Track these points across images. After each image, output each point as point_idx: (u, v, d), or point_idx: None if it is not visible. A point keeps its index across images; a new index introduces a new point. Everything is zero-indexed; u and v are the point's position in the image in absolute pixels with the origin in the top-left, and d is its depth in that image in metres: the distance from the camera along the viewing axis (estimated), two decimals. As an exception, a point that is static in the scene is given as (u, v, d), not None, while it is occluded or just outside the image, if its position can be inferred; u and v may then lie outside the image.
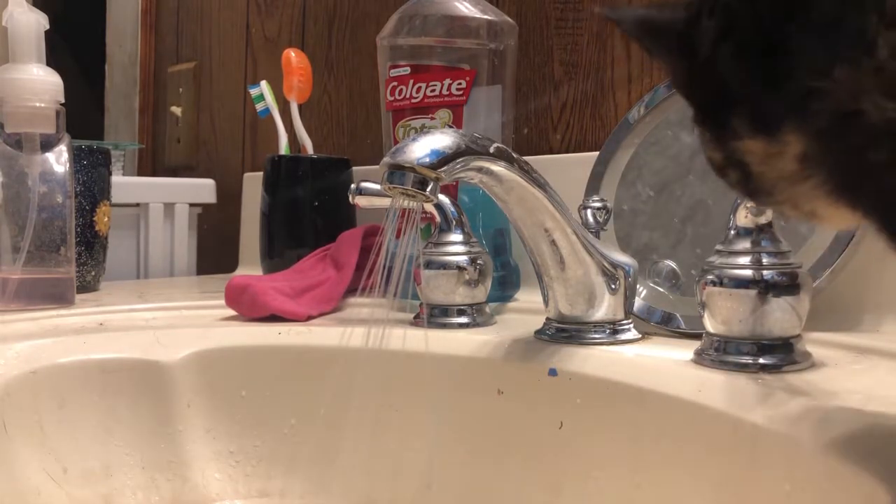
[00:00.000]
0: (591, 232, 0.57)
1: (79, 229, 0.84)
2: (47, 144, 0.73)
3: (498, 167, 0.50)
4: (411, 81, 0.72)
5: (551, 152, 0.83)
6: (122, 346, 0.61)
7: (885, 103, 0.24)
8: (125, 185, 1.09)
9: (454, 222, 0.65)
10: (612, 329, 0.55)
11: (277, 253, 0.92)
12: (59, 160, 0.74)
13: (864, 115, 0.25)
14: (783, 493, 0.37)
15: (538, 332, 0.58)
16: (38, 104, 0.72)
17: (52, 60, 0.74)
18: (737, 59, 0.28)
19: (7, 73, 0.71)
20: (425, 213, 0.65)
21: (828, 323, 0.55)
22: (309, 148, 0.96)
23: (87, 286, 0.88)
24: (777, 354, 0.46)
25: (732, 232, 0.47)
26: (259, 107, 0.97)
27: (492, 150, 0.50)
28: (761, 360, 0.46)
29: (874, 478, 0.32)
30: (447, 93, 0.71)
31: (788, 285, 0.45)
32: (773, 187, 0.30)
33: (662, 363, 0.49)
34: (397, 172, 0.46)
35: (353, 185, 0.64)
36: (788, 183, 0.29)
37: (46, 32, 0.73)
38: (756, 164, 0.29)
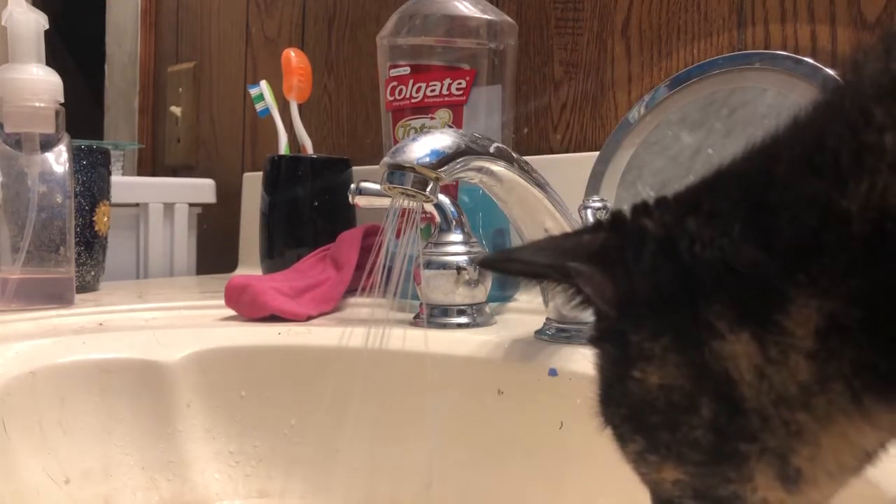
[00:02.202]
0: (592, 232, 0.57)
1: (78, 229, 0.84)
2: (47, 144, 0.73)
3: (498, 167, 0.50)
4: (411, 81, 0.72)
5: (551, 152, 0.83)
6: (121, 346, 0.61)
7: None
8: (125, 185, 1.09)
9: (454, 222, 0.65)
10: (612, 329, 0.55)
11: (277, 253, 0.92)
12: (58, 160, 0.74)
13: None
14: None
15: (538, 332, 0.58)
16: (37, 104, 0.72)
17: (52, 60, 0.74)
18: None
19: (7, 72, 0.71)
20: (425, 213, 0.65)
21: None
22: (309, 148, 0.96)
23: (86, 286, 0.88)
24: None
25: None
26: (259, 107, 0.97)
27: (492, 150, 0.50)
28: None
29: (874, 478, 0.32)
30: (447, 93, 0.71)
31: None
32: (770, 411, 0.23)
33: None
34: (397, 172, 0.46)
35: (353, 185, 0.64)
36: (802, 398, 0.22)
37: (46, 32, 0.73)
38: (747, 374, 0.23)
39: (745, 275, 0.22)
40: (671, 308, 0.24)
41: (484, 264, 0.30)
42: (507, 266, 0.30)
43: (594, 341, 0.27)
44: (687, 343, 0.24)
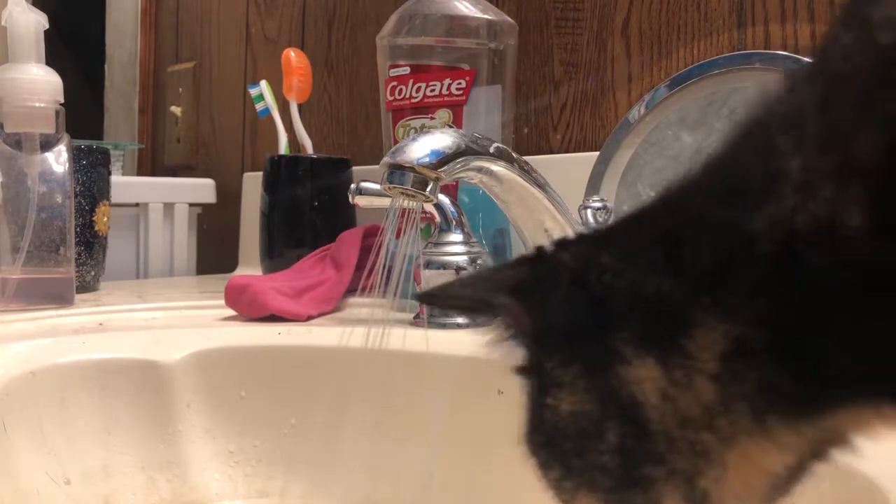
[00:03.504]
0: (592, 232, 0.57)
1: (78, 229, 0.84)
2: (47, 144, 0.73)
3: (498, 167, 0.50)
4: (411, 81, 0.72)
5: (551, 152, 0.83)
6: (121, 346, 0.61)
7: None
8: (125, 184, 1.09)
9: (454, 222, 0.65)
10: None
11: (277, 253, 0.92)
12: (58, 160, 0.74)
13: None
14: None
15: (538, 332, 0.58)
16: (37, 104, 0.72)
17: (52, 60, 0.74)
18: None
19: (6, 72, 0.71)
20: (425, 213, 0.65)
21: None
22: (309, 148, 0.96)
23: (86, 286, 0.88)
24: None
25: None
26: (259, 107, 0.97)
27: (492, 150, 0.50)
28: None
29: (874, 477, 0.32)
30: (447, 92, 0.71)
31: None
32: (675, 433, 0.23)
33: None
34: (397, 172, 0.46)
35: (352, 185, 0.64)
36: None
37: (46, 32, 0.73)
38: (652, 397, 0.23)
39: (651, 302, 0.23)
40: (581, 337, 0.25)
41: (422, 299, 0.32)
42: (443, 301, 0.31)
43: (520, 371, 0.28)
44: (595, 369, 0.25)
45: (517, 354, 0.28)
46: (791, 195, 0.20)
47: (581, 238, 0.28)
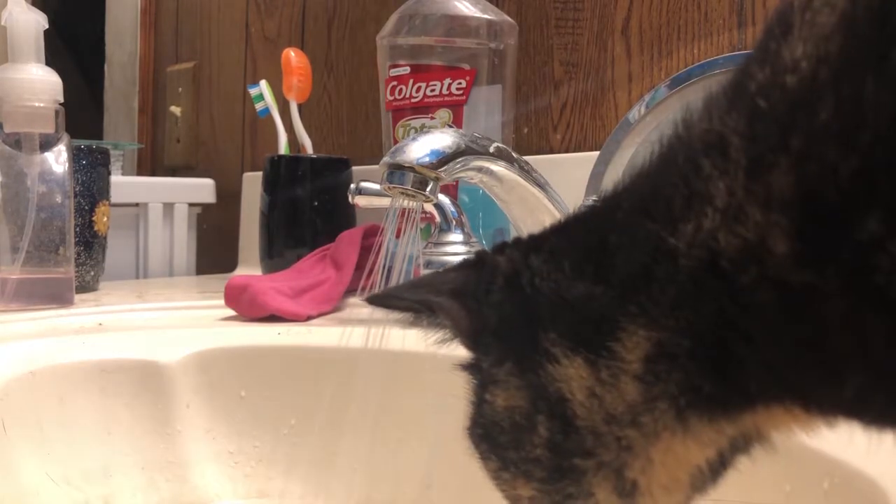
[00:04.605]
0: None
1: (78, 229, 0.84)
2: (46, 144, 0.73)
3: (498, 167, 0.50)
4: (411, 81, 0.72)
5: (551, 152, 0.83)
6: (121, 346, 0.61)
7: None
8: (125, 184, 1.09)
9: (454, 222, 0.65)
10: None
11: (277, 253, 0.92)
12: (58, 160, 0.74)
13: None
14: (783, 493, 0.37)
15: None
16: (37, 104, 0.72)
17: (52, 60, 0.74)
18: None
19: (6, 72, 0.71)
20: (425, 212, 0.65)
21: None
22: (309, 148, 0.96)
23: (86, 286, 0.88)
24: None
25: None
26: (259, 107, 0.97)
27: (492, 149, 0.50)
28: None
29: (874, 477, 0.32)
30: (447, 92, 0.71)
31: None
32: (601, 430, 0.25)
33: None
34: (397, 172, 0.46)
35: (352, 185, 0.63)
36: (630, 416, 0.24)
37: (46, 32, 0.73)
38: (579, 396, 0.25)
39: (578, 306, 0.25)
40: (513, 336, 0.27)
41: (369, 302, 0.33)
42: (388, 303, 0.33)
43: (464, 369, 0.30)
44: (526, 367, 0.26)
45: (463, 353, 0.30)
46: (713, 216, 0.21)
47: (517, 242, 0.29)
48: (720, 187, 0.21)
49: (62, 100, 0.74)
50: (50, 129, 0.73)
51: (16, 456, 0.52)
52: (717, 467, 0.25)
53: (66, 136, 0.74)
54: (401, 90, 0.73)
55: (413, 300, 0.31)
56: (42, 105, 0.72)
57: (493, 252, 0.29)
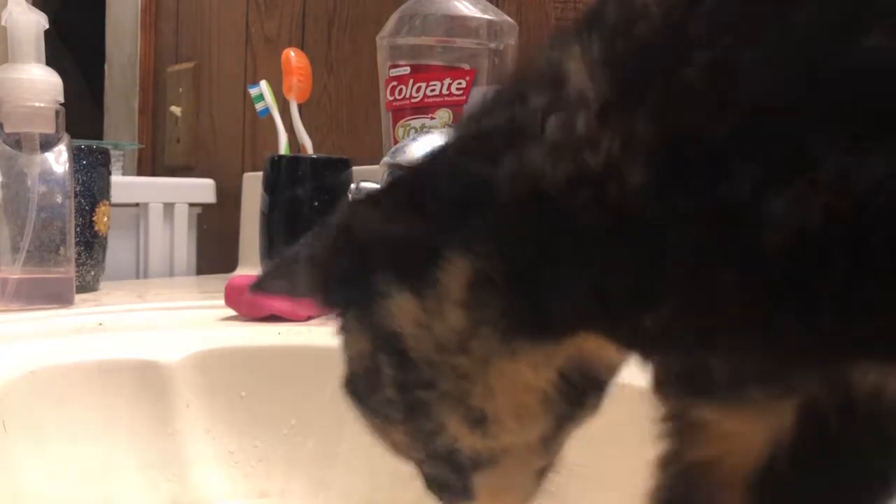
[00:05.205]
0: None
1: (78, 229, 0.84)
2: (47, 144, 0.73)
3: (498, 167, 0.50)
4: (411, 81, 0.72)
5: (551, 152, 0.83)
6: (121, 346, 0.61)
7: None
8: (125, 184, 1.09)
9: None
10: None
11: (277, 253, 0.92)
12: (58, 160, 0.74)
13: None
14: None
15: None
16: (37, 104, 0.72)
17: (52, 60, 0.74)
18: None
19: (6, 72, 0.71)
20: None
21: None
22: (309, 148, 0.96)
23: (86, 286, 0.88)
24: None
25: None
26: (259, 107, 0.97)
27: (492, 149, 0.50)
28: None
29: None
30: (447, 92, 0.71)
31: None
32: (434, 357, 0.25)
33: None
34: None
35: (352, 185, 0.64)
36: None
37: (46, 32, 0.73)
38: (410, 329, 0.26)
39: (401, 242, 0.26)
40: (352, 282, 0.27)
41: (253, 290, 0.34)
42: (265, 286, 0.34)
43: (337, 332, 0.30)
44: (364, 309, 0.27)
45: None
46: (538, 147, 0.22)
47: (357, 199, 0.30)
48: (552, 121, 0.22)
49: (62, 100, 0.74)
50: (50, 130, 0.73)
51: (16, 456, 0.52)
52: (570, 392, 0.26)
53: (66, 137, 0.75)
54: (401, 90, 0.73)
55: (280, 276, 0.32)
56: (42, 105, 0.72)
57: (339, 212, 0.30)
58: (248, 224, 1.13)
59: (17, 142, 0.72)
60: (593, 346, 0.24)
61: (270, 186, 0.93)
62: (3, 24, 0.71)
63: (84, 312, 0.71)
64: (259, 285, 0.33)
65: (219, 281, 0.90)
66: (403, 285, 0.25)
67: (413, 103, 0.72)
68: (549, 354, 0.25)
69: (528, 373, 0.25)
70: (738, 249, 0.19)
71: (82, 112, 1.53)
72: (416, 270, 0.25)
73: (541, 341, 0.24)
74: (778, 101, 0.19)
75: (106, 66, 1.52)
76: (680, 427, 0.27)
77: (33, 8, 0.72)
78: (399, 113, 0.74)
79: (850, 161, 0.18)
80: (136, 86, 1.44)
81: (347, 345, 0.29)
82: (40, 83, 0.72)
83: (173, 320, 0.69)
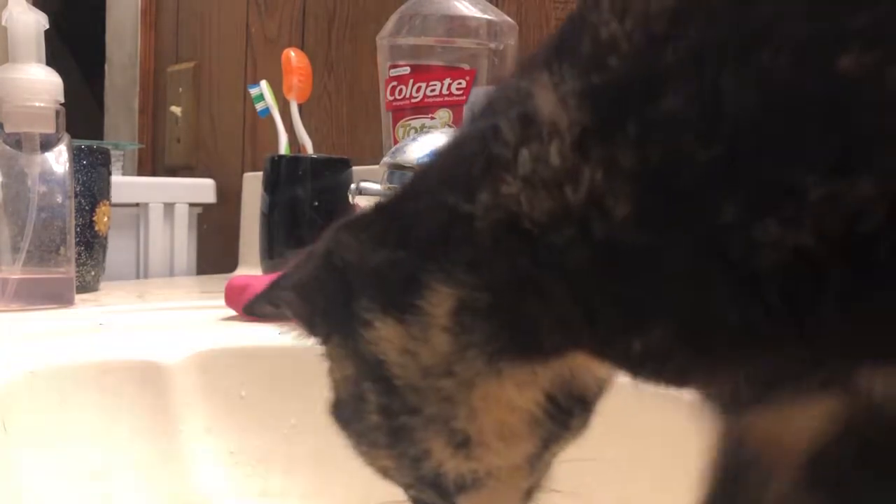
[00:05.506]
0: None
1: (78, 229, 0.84)
2: (47, 144, 0.73)
3: (498, 167, 0.50)
4: (411, 81, 0.72)
5: (551, 152, 0.83)
6: (121, 346, 0.61)
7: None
8: (125, 184, 1.09)
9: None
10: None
11: (277, 253, 0.92)
12: (58, 160, 0.74)
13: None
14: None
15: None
16: (37, 104, 0.72)
17: (52, 60, 0.74)
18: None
19: (7, 72, 0.71)
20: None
21: None
22: (309, 148, 0.96)
23: (86, 286, 0.88)
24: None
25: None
26: (259, 107, 0.97)
27: (492, 149, 0.50)
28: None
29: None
30: (447, 92, 0.71)
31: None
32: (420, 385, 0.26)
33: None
34: (397, 172, 0.46)
35: (353, 185, 0.63)
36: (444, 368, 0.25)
37: (46, 32, 0.73)
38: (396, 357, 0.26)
39: (383, 271, 0.26)
40: (334, 310, 0.28)
41: (245, 312, 0.35)
42: (255, 309, 0.34)
43: (323, 356, 0.31)
44: (347, 337, 0.27)
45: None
46: (514, 181, 0.22)
47: (342, 223, 0.30)
48: (524, 153, 0.22)
49: (63, 100, 0.74)
50: (50, 129, 0.73)
51: (16, 456, 0.52)
52: (556, 412, 0.26)
53: (66, 136, 0.75)
54: (401, 90, 0.73)
55: (269, 302, 0.33)
56: (42, 105, 0.72)
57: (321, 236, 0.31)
58: (248, 224, 1.13)
59: (17, 142, 0.72)
60: (582, 364, 0.25)
61: (270, 186, 0.93)
62: (3, 24, 0.71)
63: (84, 312, 0.71)
64: (250, 308, 0.34)
65: (219, 281, 0.90)
66: (387, 313, 0.26)
67: (413, 103, 0.72)
68: (535, 374, 0.25)
69: (513, 393, 0.25)
70: (732, 270, 0.19)
71: (82, 112, 1.53)
72: (399, 299, 0.25)
73: (528, 361, 0.24)
74: (759, 127, 0.19)
75: (106, 66, 1.52)
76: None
77: (33, 8, 0.72)
78: (399, 113, 0.74)
79: (836, 183, 0.18)
80: (136, 86, 1.44)
81: (332, 371, 0.30)
82: (40, 83, 0.72)
83: (173, 320, 0.69)
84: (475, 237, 0.23)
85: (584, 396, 0.27)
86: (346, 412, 0.29)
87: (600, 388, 0.27)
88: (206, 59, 1.34)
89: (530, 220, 0.22)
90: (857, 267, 0.18)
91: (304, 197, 0.91)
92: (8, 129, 0.72)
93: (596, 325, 0.22)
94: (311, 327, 0.30)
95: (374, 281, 0.26)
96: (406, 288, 0.25)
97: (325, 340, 0.29)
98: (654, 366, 0.23)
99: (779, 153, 0.19)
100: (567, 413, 0.26)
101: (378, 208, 0.29)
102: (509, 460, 0.27)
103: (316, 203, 0.91)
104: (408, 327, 0.25)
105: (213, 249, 1.25)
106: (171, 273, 1.17)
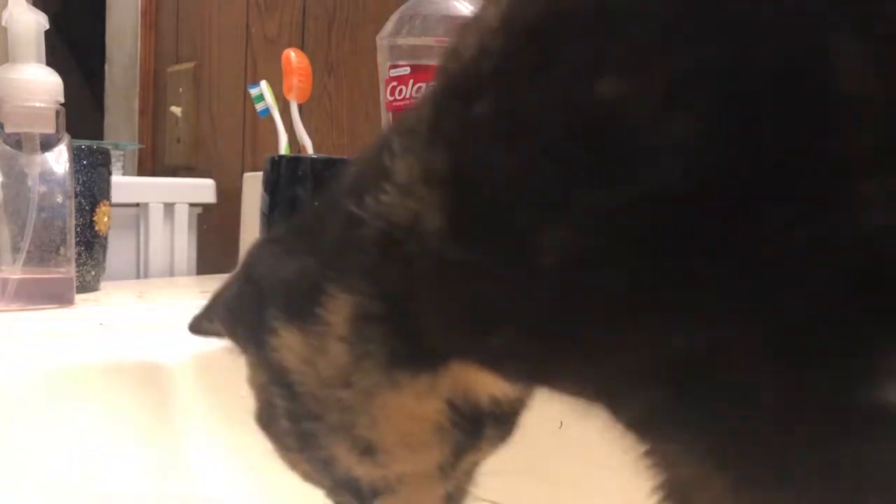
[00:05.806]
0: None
1: (78, 229, 0.84)
2: (47, 144, 0.73)
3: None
4: (411, 81, 0.72)
5: (551, 152, 0.83)
6: (122, 346, 0.61)
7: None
8: (125, 185, 1.09)
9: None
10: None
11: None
12: (58, 160, 0.74)
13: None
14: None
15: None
16: (37, 104, 0.72)
17: (52, 60, 0.74)
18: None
19: (7, 72, 0.71)
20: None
21: None
22: (309, 148, 0.96)
23: (86, 286, 0.88)
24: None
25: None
26: (259, 107, 0.97)
27: (492, 149, 0.50)
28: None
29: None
30: (447, 93, 0.71)
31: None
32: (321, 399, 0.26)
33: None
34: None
35: (352, 185, 0.64)
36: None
37: (46, 32, 0.73)
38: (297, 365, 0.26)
39: (291, 279, 0.26)
40: (250, 322, 0.28)
41: (191, 330, 0.36)
42: (198, 327, 0.35)
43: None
44: (259, 346, 0.28)
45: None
46: (391, 190, 0.23)
47: (261, 240, 0.31)
48: (399, 164, 0.23)
49: (63, 100, 0.74)
50: (50, 130, 0.73)
51: (16, 456, 0.52)
52: (462, 422, 0.26)
53: (66, 137, 0.75)
54: (401, 90, 0.73)
55: (206, 318, 0.34)
56: (42, 105, 0.72)
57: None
58: (248, 224, 1.13)
59: (17, 142, 0.72)
60: (472, 375, 0.25)
61: (270, 186, 0.93)
62: (3, 24, 0.71)
63: (84, 312, 0.71)
64: (193, 327, 0.35)
65: (219, 281, 0.89)
66: (291, 321, 0.26)
67: (413, 103, 0.72)
68: (430, 384, 0.25)
69: (413, 403, 0.25)
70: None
71: (82, 112, 1.53)
72: (302, 307, 0.25)
73: (419, 374, 0.24)
74: (560, 142, 0.19)
75: (106, 66, 1.52)
76: None
77: (33, 8, 0.72)
78: (399, 113, 0.74)
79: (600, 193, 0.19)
80: (137, 86, 1.44)
81: (249, 379, 0.30)
82: (40, 83, 0.72)
83: (173, 320, 0.69)
84: (365, 245, 0.23)
85: (494, 407, 0.27)
86: (264, 418, 0.30)
87: (511, 399, 0.27)
88: (206, 59, 1.34)
89: (398, 230, 0.22)
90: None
91: (304, 197, 0.91)
92: (8, 129, 0.72)
93: (458, 334, 0.23)
94: (235, 339, 0.31)
95: (283, 289, 0.27)
96: (310, 296, 0.25)
97: (244, 350, 0.30)
98: (515, 368, 0.23)
99: (565, 164, 0.19)
100: (475, 423, 0.27)
101: (296, 217, 0.30)
102: (418, 467, 0.27)
103: (316, 203, 0.91)
104: (307, 336, 0.25)
105: (213, 249, 1.25)
106: (171, 273, 1.17)
